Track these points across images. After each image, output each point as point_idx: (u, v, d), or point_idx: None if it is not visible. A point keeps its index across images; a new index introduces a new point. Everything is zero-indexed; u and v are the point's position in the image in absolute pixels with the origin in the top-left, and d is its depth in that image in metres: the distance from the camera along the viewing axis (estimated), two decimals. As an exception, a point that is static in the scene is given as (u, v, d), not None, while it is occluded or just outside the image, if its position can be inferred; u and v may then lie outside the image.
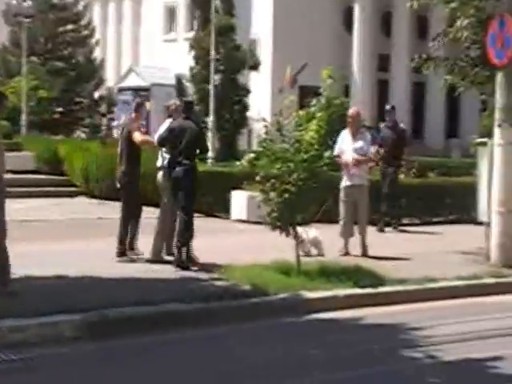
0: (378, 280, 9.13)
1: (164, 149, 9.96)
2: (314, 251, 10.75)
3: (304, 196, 9.06)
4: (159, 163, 10.17)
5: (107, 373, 6.20)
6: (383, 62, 37.04)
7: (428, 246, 12.23)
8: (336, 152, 10.83)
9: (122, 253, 10.11)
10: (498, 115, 10.60)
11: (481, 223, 11.08)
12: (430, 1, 12.03)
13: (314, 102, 9.46)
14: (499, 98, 10.59)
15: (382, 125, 13.76)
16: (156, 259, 9.95)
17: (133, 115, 10.51)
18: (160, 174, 10.16)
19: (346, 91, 33.11)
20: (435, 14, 26.21)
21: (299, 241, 10.38)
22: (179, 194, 9.63)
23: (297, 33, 34.00)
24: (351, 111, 11.40)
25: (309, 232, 10.59)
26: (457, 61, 11.84)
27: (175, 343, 7.04)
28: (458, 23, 11.42)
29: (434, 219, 15.31)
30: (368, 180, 11.46)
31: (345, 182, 11.03)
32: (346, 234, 11.00)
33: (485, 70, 11.43)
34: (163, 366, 6.32)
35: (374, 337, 7.54)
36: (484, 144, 11.04)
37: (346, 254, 10.92)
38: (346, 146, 11.03)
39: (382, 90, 36.78)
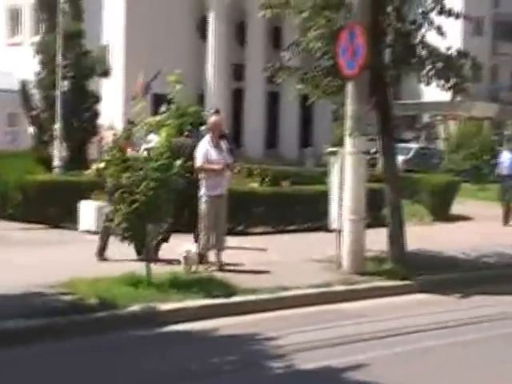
0: (230, 290, 9.15)
1: None
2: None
3: (155, 206, 8.95)
4: None
5: None
6: (238, 72, 37.49)
7: (281, 254, 12.35)
8: (201, 161, 10.62)
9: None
10: (348, 124, 10.89)
11: (333, 231, 11.29)
12: (282, 10, 12.04)
13: (163, 108, 9.37)
14: (350, 107, 10.88)
15: (203, 128, 12.55)
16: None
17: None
18: None
19: (202, 100, 33.26)
20: (289, 24, 26.82)
21: (185, 258, 10.16)
22: (184, 203, 10.61)
23: (150, 40, 33.81)
24: (213, 119, 11.27)
25: (192, 247, 10.37)
26: (309, 71, 12.00)
27: (12, 361, 6.76)
28: (310, 33, 11.62)
29: (288, 227, 15.56)
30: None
31: (211, 192, 10.67)
32: (209, 247, 10.73)
33: (336, 79, 11.66)
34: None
35: (227, 347, 7.53)
36: (335, 153, 11.29)
37: (211, 265, 10.61)
38: (212, 154, 10.75)
39: (237, 99, 37.22)
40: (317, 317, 8.81)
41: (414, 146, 38.49)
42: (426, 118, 55.72)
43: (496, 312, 9.40)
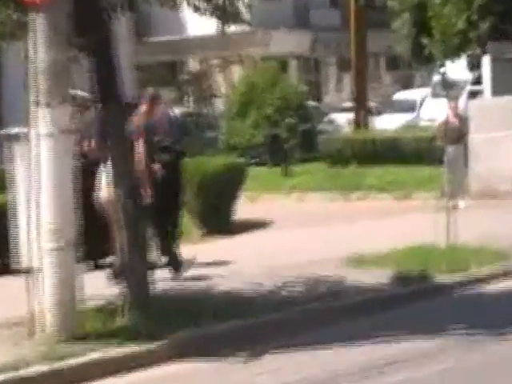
0: None
1: None
2: None
3: None
4: None
5: None
6: None
7: None
8: None
9: None
10: (41, 86, 7.81)
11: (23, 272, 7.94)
12: None
13: None
14: (41, 56, 7.77)
15: None
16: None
17: None
18: None
19: None
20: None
21: None
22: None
23: None
24: None
25: None
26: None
27: None
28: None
29: None
30: None
31: None
32: None
33: (18, 12, 8.95)
34: None
35: None
36: (18, 137, 8.15)
37: None
38: None
39: None
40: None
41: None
42: (194, 65, 43.46)
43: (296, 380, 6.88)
